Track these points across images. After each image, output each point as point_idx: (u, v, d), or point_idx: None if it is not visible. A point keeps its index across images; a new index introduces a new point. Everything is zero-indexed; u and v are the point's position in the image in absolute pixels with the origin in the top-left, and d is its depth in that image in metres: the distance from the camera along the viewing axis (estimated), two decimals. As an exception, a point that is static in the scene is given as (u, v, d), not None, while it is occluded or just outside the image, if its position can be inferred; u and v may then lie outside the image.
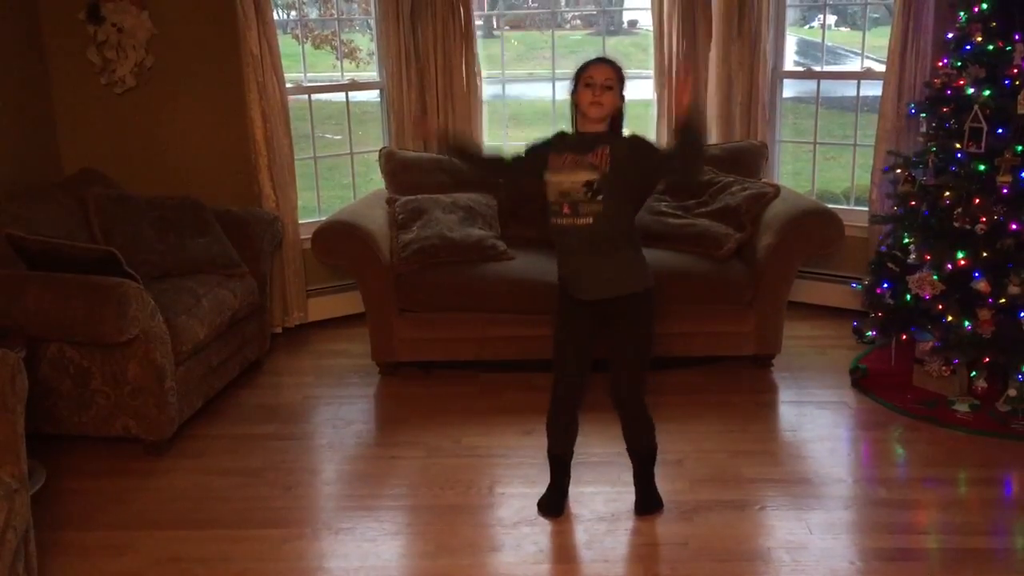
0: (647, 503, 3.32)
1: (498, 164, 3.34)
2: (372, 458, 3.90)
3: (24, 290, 3.59)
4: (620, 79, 3.05)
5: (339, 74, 5.70)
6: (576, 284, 3.13)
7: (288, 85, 5.06)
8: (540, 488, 3.39)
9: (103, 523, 3.35)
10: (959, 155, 4.12)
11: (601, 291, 3.10)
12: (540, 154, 3.13)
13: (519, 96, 9.59)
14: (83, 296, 3.56)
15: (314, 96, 5.46)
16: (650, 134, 5.39)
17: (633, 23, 10.37)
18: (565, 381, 3.24)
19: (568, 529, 3.25)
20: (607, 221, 3.03)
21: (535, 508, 3.34)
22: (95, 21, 4.73)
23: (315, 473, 3.76)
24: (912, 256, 4.23)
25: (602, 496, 3.38)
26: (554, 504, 3.33)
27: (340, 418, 4.20)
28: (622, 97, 3.07)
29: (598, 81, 3.00)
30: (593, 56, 3.15)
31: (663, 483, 3.48)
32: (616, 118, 3.08)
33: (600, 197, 2.99)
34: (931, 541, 3.15)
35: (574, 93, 3.07)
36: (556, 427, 3.31)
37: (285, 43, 5.03)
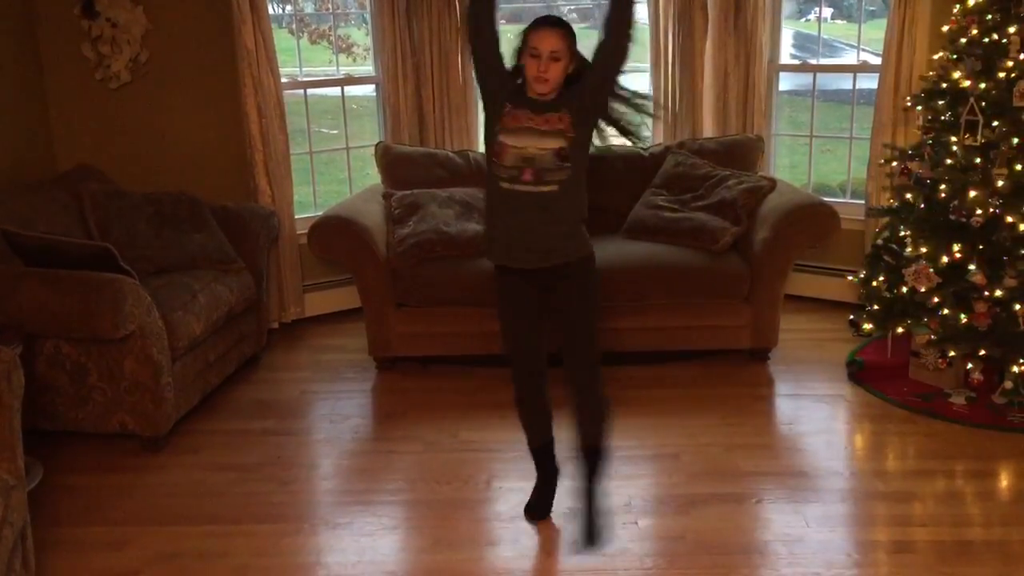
0: (590, 531, 2.99)
1: (492, 40, 2.93)
2: (369, 453, 3.91)
3: (20, 286, 3.58)
4: (571, 42, 2.84)
5: (335, 69, 5.69)
6: (518, 252, 2.94)
7: (284, 80, 5.04)
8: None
9: (100, 519, 3.35)
10: (955, 148, 4.12)
11: (546, 259, 2.93)
12: (506, 82, 2.92)
13: (515, 90, 9.58)
14: (79, 292, 3.55)
15: (310, 91, 5.45)
16: (647, 128, 5.38)
17: (629, 16, 10.34)
18: (524, 361, 3.08)
19: (565, 523, 3.25)
20: (571, 187, 2.89)
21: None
22: (90, 16, 4.71)
23: (312, 468, 3.76)
24: (908, 249, 4.23)
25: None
26: (540, 506, 3.23)
27: (337, 413, 4.20)
28: (575, 58, 2.87)
29: (544, 52, 2.79)
30: (545, 15, 2.89)
31: (660, 476, 3.49)
32: (570, 79, 2.87)
33: (568, 164, 2.85)
34: (928, 533, 3.15)
35: (520, 53, 2.86)
36: (528, 414, 3.18)
37: (280, 38, 5.02)
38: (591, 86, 2.88)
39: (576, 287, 3.00)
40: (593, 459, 3.07)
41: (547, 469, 3.29)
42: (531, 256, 2.95)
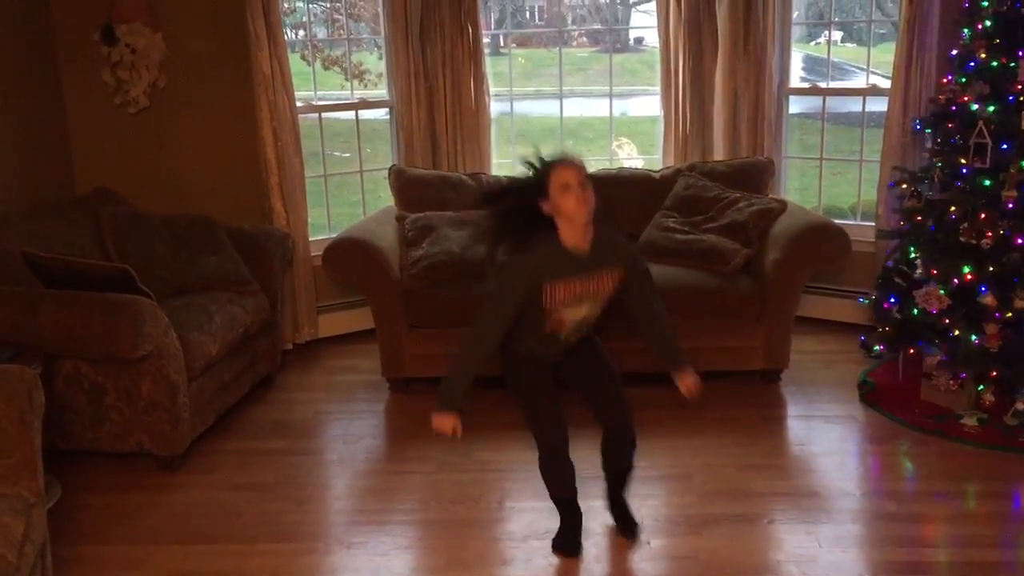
0: (633, 524, 3.29)
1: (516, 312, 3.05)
2: (383, 473, 3.93)
3: (40, 307, 3.64)
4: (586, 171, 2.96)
5: (348, 92, 5.76)
6: (555, 357, 3.20)
7: (299, 104, 5.11)
8: (550, 503, 3.37)
9: (118, 538, 3.39)
10: (964, 170, 4.15)
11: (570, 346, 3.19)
12: (534, 284, 2.97)
13: (526, 113, 9.65)
14: (98, 313, 3.60)
15: (323, 114, 5.51)
16: (658, 150, 5.43)
17: (639, 40, 10.43)
18: (556, 431, 3.13)
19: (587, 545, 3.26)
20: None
21: (545, 522, 3.35)
22: (109, 42, 4.80)
23: (327, 488, 3.79)
24: (919, 271, 4.26)
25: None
26: (573, 544, 3.22)
27: (351, 433, 4.23)
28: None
29: (575, 182, 2.87)
30: (552, 156, 2.98)
31: (672, 496, 3.51)
32: (597, 214, 2.96)
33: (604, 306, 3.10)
34: (940, 554, 3.16)
35: (544, 201, 2.91)
36: (561, 473, 3.19)
37: (293, 62, 5.10)
38: (630, 277, 3.13)
39: (590, 348, 3.24)
40: (625, 475, 3.31)
41: (574, 513, 3.27)
42: (560, 354, 3.20)
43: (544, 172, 2.93)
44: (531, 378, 3.15)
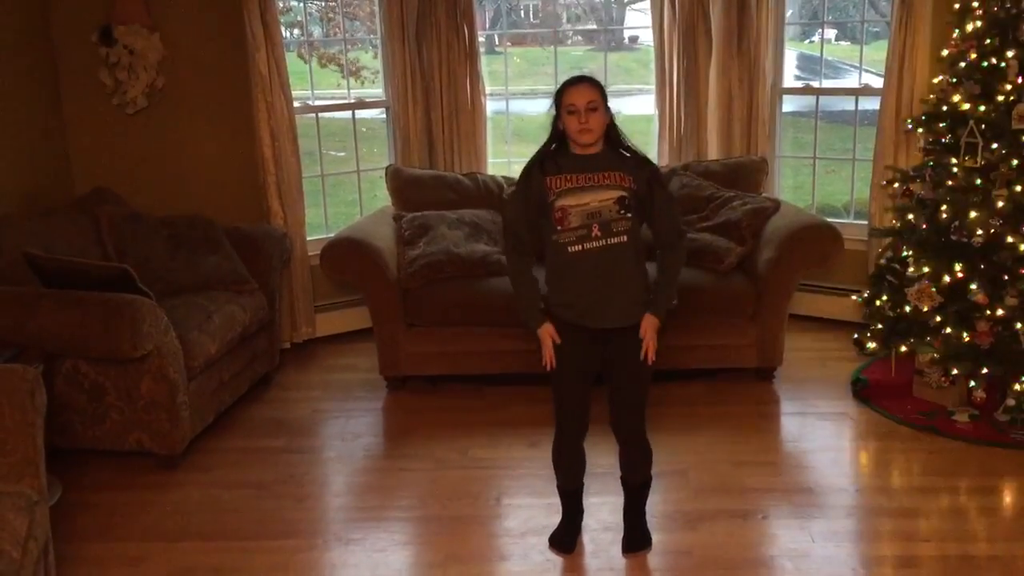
0: (636, 539, 3.22)
1: (532, 250, 3.08)
2: (381, 470, 3.97)
3: (40, 307, 3.66)
4: (602, 96, 2.92)
5: (343, 91, 5.78)
6: (592, 312, 2.97)
7: (296, 104, 5.14)
8: (547, 499, 3.45)
9: (118, 535, 3.42)
10: (956, 169, 4.19)
11: (617, 319, 2.98)
12: (535, 190, 2.96)
13: (521, 112, 9.69)
14: (98, 313, 3.63)
15: (319, 114, 5.54)
16: (652, 149, 5.47)
17: (634, 39, 10.47)
18: (572, 418, 3.13)
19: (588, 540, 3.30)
20: (636, 238, 2.95)
21: (542, 518, 3.40)
22: (107, 43, 4.82)
23: (325, 485, 3.82)
24: (911, 269, 4.29)
25: (608, 506, 3.43)
26: (568, 540, 3.25)
27: (349, 431, 4.27)
28: (608, 112, 2.94)
29: (581, 106, 2.87)
30: (571, 76, 2.98)
31: (667, 493, 3.54)
32: (610, 134, 2.96)
33: (629, 214, 2.91)
34: (932, 549, 3.19)
35: (557, 119, 2.94)
36: (566, 462, 3.22)
37: (289, 60, 5.12)
38: (651, 194, 2.98)
39: (635, 342, 3.01)
40: (641, 490, 3.25)
41: (574, 509, 3.31)
42: (610, 313, 2.98)
43: (559, 92, 2.93)
44: (564, 360, 3.02)
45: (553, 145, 3.00)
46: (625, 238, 2.92)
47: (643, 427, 3.16)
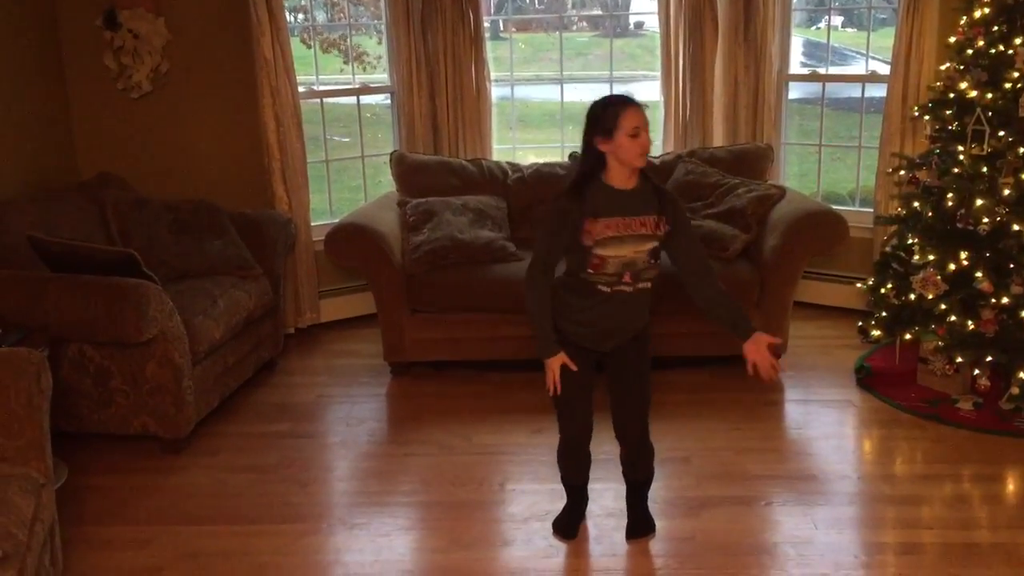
0: (639, 526, 3.24)
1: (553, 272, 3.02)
2: (385, 456, 3.98)
3: (46, 291, 3.68)
4: None
5: (348, 76, 5.77)
6: (606, 339, 3.04)
7: (300, 89, 5.13)
8: (550, 485, 3.45)
9: (124, 518, 3.44)
10: (962, 157, 4.18)
11: (622, 339, 3.06)
12: (571, 228, 2.88)
13: (526, 98, 9.66)
14: (104, 297, 3.64)
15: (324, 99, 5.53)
16: (658, 136, 5.45)
17: (640, 25, 10.42)
18: (580, 429, 3.14)
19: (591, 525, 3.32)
20: (657, 279, 3.00)
21: (545, 504, 3.41)
22: (112, 27, 4.81)
23: (329, 470, 3.84)
24: (916, 256, 4.29)
25: (611, 492, 3.44)
26: (571, 527, 3.27)
27: (353, 417, 4.28)
28: None
29: (645, 127, 2.80)
30: (614, 95, 2.92)
31: (671, 479, 3.55)
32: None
33: (657, 261, 2.95)
34: (934, 536, 3.20)
35: (604, 141, 2.83)
36: (573, 464, 3.24)
37: (293, 45, 5.11)
38: (675, 229, 2.96)
39: (638, 349, 3.10)
40: (644, 487, 3.28)
41: (577, 499, 3.32)
42: (616, 338, 3.05)
43: (615, 114, 2.81)
44: (570, 379, 3.01)
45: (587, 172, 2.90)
46: (650, 284, 3.00)
47: (647, 431, 3.18)
